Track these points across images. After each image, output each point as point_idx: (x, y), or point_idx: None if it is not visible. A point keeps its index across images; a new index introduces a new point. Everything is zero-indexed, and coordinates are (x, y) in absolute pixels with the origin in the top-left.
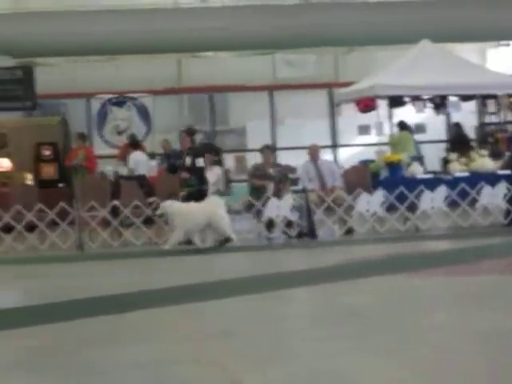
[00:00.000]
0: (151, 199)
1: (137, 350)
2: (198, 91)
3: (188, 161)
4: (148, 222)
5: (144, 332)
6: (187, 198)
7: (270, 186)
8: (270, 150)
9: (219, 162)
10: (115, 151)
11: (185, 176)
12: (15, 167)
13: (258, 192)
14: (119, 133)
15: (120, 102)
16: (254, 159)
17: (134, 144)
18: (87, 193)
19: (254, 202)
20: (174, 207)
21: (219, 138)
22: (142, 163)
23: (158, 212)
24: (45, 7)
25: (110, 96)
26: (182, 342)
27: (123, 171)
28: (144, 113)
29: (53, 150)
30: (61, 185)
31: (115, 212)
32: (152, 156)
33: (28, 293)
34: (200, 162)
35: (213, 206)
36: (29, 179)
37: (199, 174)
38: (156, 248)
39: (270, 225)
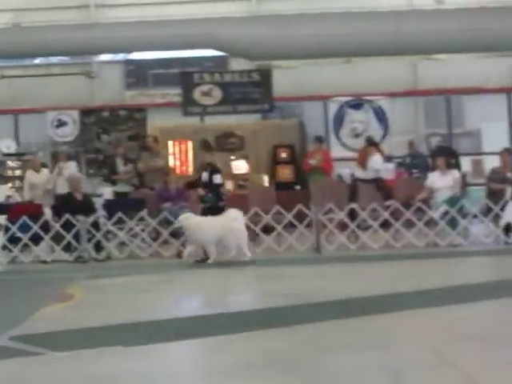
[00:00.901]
0: (389, 202)
1: (375, 354)
2: (433, 94)
3: (204, 176)
4: (385, 225)
5: (384, 336)
6: (203, 214)
7: (509, 190)
8: (509, 153)
9: (457, 165)
10: (352, 154)
11: (201, 193)
12: (252, 170)
13: (495, 196)
14: (356, 135)
15: (357, 104)
16: (490, 162)
17: (375, 146)
18: (324, 195)
19: (491, 206)
20: (189, 221)
21: (455, 141)
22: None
23: (176, 225)
24: (280, 10)
25: (347, 99)
26: (425, 346)
27: (360, 174)
28: (381, 115)
29: (289, 152)
30: (297, 187)
31: (352, 215)
32: (389, 159)
33: (267, 295)
34: (217, 178)
35: (228, 220)
36: (265, 181)
37: (216, 190)
38: (395, 252)
39: (508, 229)
